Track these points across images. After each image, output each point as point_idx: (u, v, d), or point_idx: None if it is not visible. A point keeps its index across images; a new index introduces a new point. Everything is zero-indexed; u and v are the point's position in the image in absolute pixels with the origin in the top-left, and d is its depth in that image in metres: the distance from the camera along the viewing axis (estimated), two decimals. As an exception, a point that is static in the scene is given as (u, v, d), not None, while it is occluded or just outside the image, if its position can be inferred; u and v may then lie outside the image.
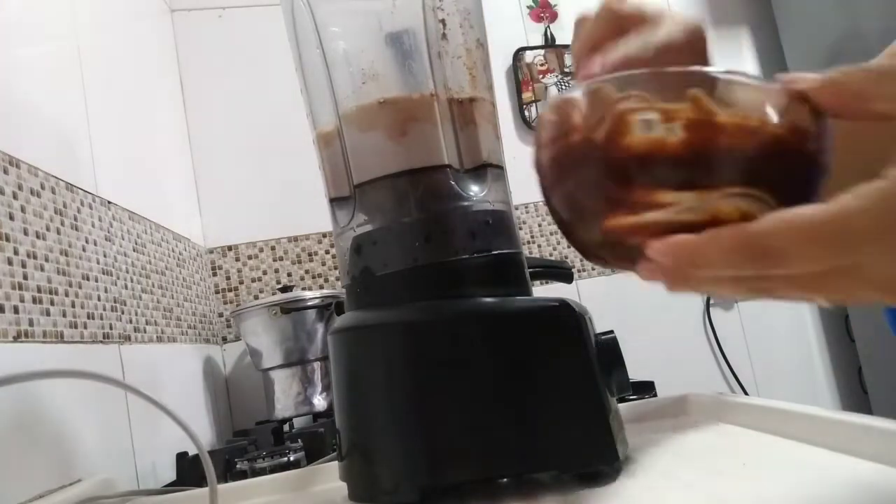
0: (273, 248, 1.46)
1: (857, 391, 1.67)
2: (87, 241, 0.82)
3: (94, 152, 0.90)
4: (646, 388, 0.97)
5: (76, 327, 0.75)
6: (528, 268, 0.55)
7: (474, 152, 0.54)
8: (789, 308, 1.68)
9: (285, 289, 1.26)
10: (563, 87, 1.66)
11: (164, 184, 1.24)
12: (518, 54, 1.65)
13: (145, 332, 0.95)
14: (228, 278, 1.43)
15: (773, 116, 0.27)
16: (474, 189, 0.53)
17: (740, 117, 0.27)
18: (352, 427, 0.51)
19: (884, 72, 0.29)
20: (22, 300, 0.65)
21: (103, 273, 0.85)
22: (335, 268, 1.47)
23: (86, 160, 0.87)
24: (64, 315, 0.72)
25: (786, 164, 0.27)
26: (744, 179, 0.26)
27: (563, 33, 1.70)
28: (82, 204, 0.83)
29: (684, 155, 0.26)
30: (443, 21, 0.54)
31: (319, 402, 1.19)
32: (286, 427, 1.14)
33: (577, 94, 0.29)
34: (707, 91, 0.27)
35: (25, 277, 0.66)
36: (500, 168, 0.56)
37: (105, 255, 0.86)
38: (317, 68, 0.55)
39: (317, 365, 1.20)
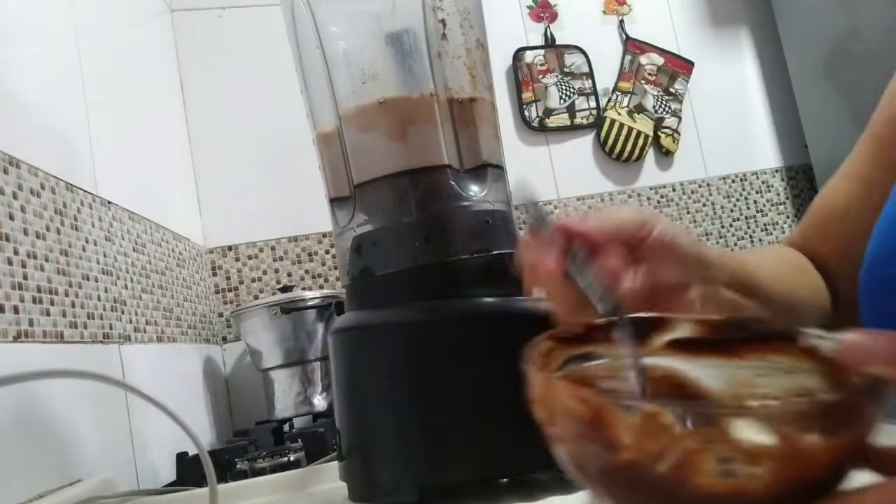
0: (273, 248, 1.46)
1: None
2: (87, 241, 0.82)
3: (94, 152, 0.90)
4: (646, 388, 0.97)
5: (76, 327, 0.75)
6: (528, 268, 0.55)
7: (474, 152, 0.54)
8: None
9: (285, 289, 1.26)
10: (563, 87, 1.66)
11: (164, 184, 1.24)
12: (518, 54, 1.65)
13: (145, 332, 0.95)
14: (228, 278, 1.43)
15: (862, 427, 0.24)
16: (474, 189, 0.53)
17: (834, 444, 0.23)
18: (352, 427, 0.51)
19: None
20: (22, 300, 0.65)
21: (103, 273, 0.85)
22: (335, 268, 1.47)
23: (86, 160, 0.87)
24: (64, 315, 0.72)
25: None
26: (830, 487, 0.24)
27: (563, 33, 1.70)
28: (82, 204, 0.82)
29: (767, 495, 0.23)
30: (443, 21, 0.54)
31: (319, 402, 1.19)
32: (286, 427, 1.14)
33: (618, 402, 0.25)
34: (798, 418, 0.23)
35: (25, 277, 0.66)
36: (500, 168, 0.56)
37: (105, 255, 0.86)
38: (317, 68, 0.55)
39: (317, 365, 1.20)
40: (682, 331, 0.35)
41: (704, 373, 0.34)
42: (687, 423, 0.23)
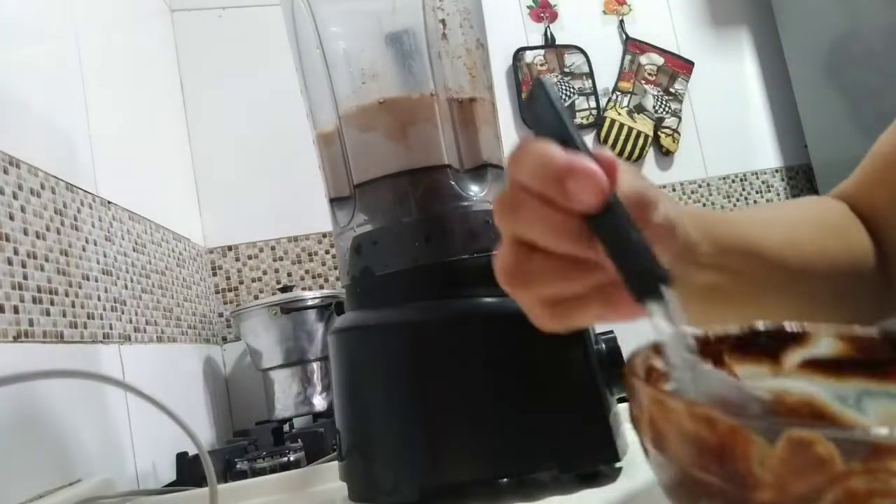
0: (273, 248, 1.46)
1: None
2: (87, 241, 0.82)
3: (94, 152, 0.90)
4: (646, 388, 0.96)
5: (76, 327, 0.75)
6: (528, 268, 0.55)
7: (474, 152, 0.54)
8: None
9: (285, 289, 1.26)
10: (563, 87, 1.66)
11: (164, 184, 1.24)
12: (518, 54, 1.65)
13: (145, 332, 0.95)
14: (228, 278, 1.43)
15: None
16: (474, 189, 0.53)
17: None
18: (352, 427, 0.51)
19: None
20: (22, 300, 0.65)
21: (103, 273, 0.85)
22: (335, 268, 1.47)
23: (86, 160, 0.87)
24: (64, 315, 0.72)
25: None
26: None
27: (563, 33, 1.70)
28: (82, 204, 0.82)
29: None
30: (443, 21, 0.54)
31: (319, 402, 1.19)
32: (286, 427, 1.14)
33: (756, 423, 0.19)
34: None
35: (25, 277, 0.66)
36: (500, 168, 0.56)
37: (105, 255, 0.86)
38: (317, 68, 0.55)
39: (317, 365, 1.20)
40: (823, 347, 0.28)
41: (850, 400, 0.27)
42: (847, 456, 0.18)
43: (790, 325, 0.29)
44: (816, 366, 0.28)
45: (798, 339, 0.29)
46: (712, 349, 0.29)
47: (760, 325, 0.29)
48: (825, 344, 0.28)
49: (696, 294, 0.36)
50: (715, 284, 0.37)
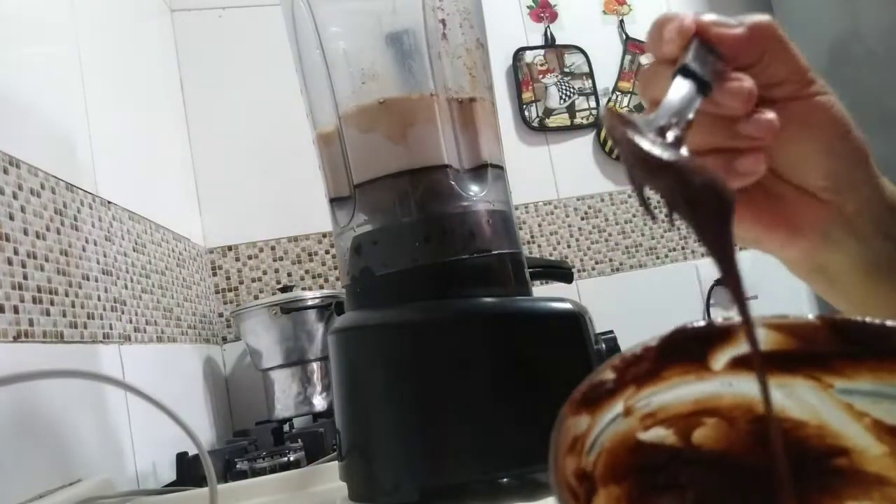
0: (273, 248, 1.46)
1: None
2: (87, 241, 0.82)
3: (94, 152, 0.90)
4: (646, 388, 0.96)
5: (76, 327, 0.75)
6: (528, 268, 0.55)
7: (474, 152, 0.54)
8: (788, 306, 1.68)
9: (285, 289, 1.26)
10: (563, 87, 1.66)
11: (164, 184, 1.24)
12: (518, 54, 1.65)
13: (145, 332, 0.95)
14: (228, 278, 1.43)
15: None
16: (474, 189, 0.53)
17: None
18: (352, 427, 0.51)
19: None
20: (22, 300, 0.65)
21: (103, 273, 0.85)
22: (335, 268, 1.47)
23: (86, 160, 0.87)
24: (64, 315, 0.72)
25: None
26: None
27: (563, 33, 1.70)
28: (82, 204, 0.82)
29: None
30: (443, 21, 0.54)
31: (319, 402, 1.19)
32: (286, 427, 1.14)
33: None
34: None
35: (25, 277, 0.66)
36: (500, 168, 0.56)
37: (105, 255, 0.86)
38: (317, 68, 0.55)
39: (317, 365, 1.20)
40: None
41: (790, 399, 0.25)
42: None
43: (708, 323, 0.27)
44: (747, 363, 0.25)
45: (723, 336, 0.26)
46: (633, 373, 0.26)
47: (687, 326, 0.27)
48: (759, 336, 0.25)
49: (872, 264, 0.36)
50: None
